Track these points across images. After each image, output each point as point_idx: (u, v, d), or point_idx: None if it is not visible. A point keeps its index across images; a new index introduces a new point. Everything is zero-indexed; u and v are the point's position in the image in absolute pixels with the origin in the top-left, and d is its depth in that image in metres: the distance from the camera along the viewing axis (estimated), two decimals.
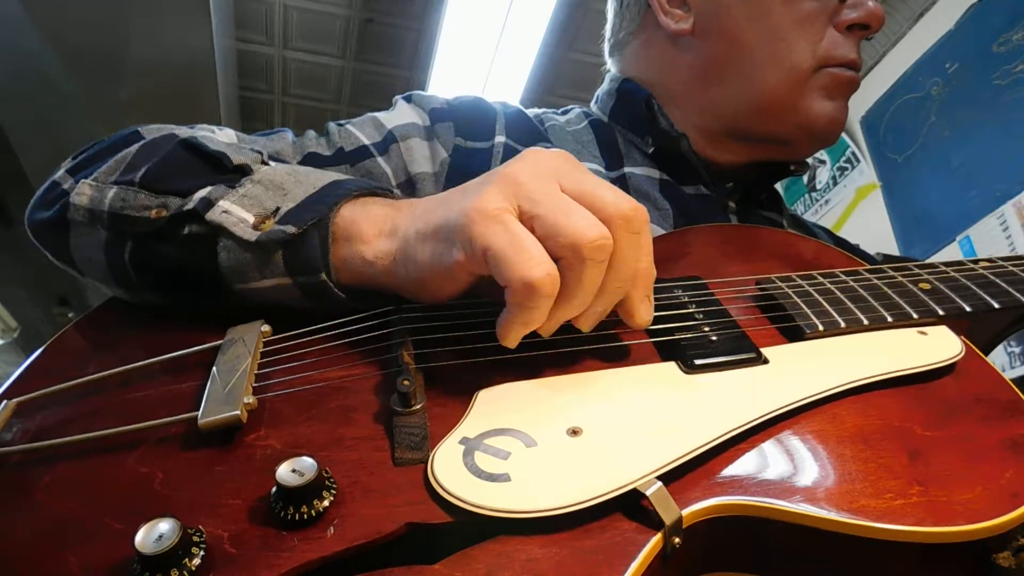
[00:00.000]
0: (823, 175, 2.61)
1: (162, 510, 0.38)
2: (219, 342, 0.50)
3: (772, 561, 0.41)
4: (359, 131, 0.72)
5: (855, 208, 2.46)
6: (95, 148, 0.60)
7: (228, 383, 0.45)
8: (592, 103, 0.90)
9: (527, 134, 0.76)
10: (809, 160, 0.83)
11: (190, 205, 0.51)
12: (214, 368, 0.47)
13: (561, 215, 0.40)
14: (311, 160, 0.69)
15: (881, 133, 2.36)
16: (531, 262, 0.39)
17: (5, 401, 0.48)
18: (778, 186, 0.93)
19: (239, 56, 3.36)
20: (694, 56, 0.79)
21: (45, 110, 2.71)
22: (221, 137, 0.63)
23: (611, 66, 0.92)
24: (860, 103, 2.42)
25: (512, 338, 0.43)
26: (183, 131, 0.60)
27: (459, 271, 0.44)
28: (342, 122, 0.75)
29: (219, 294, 0.53)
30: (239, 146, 0.60)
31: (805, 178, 2.69)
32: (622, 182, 0.76)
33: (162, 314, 0.57)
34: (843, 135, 2.46)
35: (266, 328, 0.51)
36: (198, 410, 0.43)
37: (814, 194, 2.67)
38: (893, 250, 2.22)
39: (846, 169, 2.50)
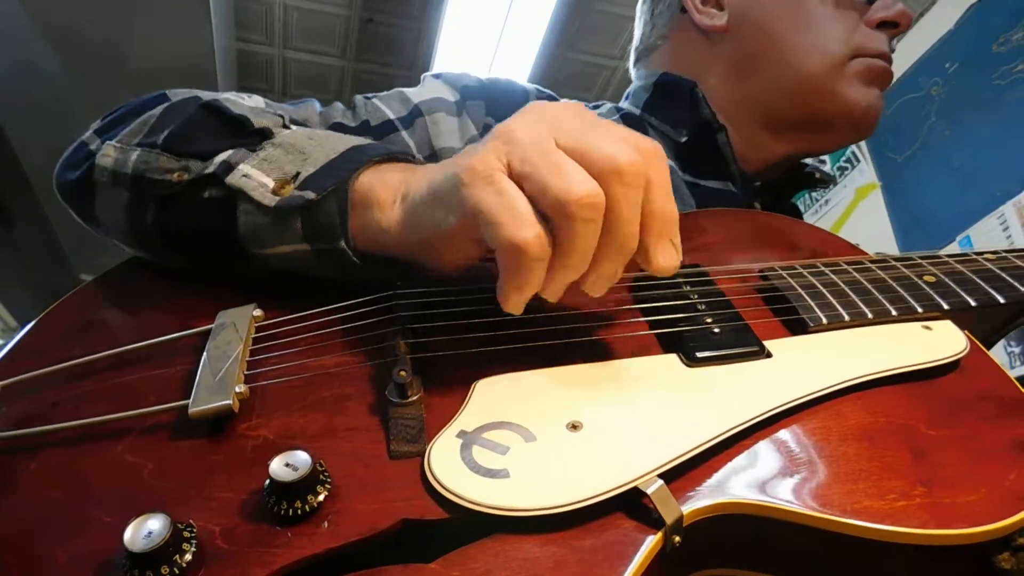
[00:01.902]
0: None
1: (152, 502, 0.38)
2: (209, 326, 0.49)
3: (772, 559, 0.40)
4: (385, 105, 0.72)
5: (855, 208, 2.45)
6: (123, 110, 0.60)
7: (219, 370, 0.44)
8: (622, 101, 0.89)
9: None
10: (830, 173, 0.83)
11: (211, 168, 0.51)
12: (204, 354, 0.46)
13: (550, 172, 0.38)
14: (336, 130, 0.68)
15: (881, 133, 2.35)
16: (517, 222, 0.38)
17: None
18: None
19: (239, 56, 3.36)
20: (730, 50, 0.80)
21: (45, 110, 2.71)
22: (247, 102, 0.63)
23: (637, 74, 0.92)
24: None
25: (512, 303, 0.41)
26: (207, 95, 0.60)
27: (459, 235, 0.43)
28: (369, 95, 0.74)
29: (238, 259, 0.53)
30: (263, 110, 0.59)
31: None
32: None
33: (151, 293, 0.57)
34: None
35: (258, 312, 0.50)
36: (188, 398, 0.43)
37: (814, 194, 2.67)
38: (893, 250, 2.21)
39: (846, 169, 2.49)
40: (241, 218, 0.50)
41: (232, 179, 0.50)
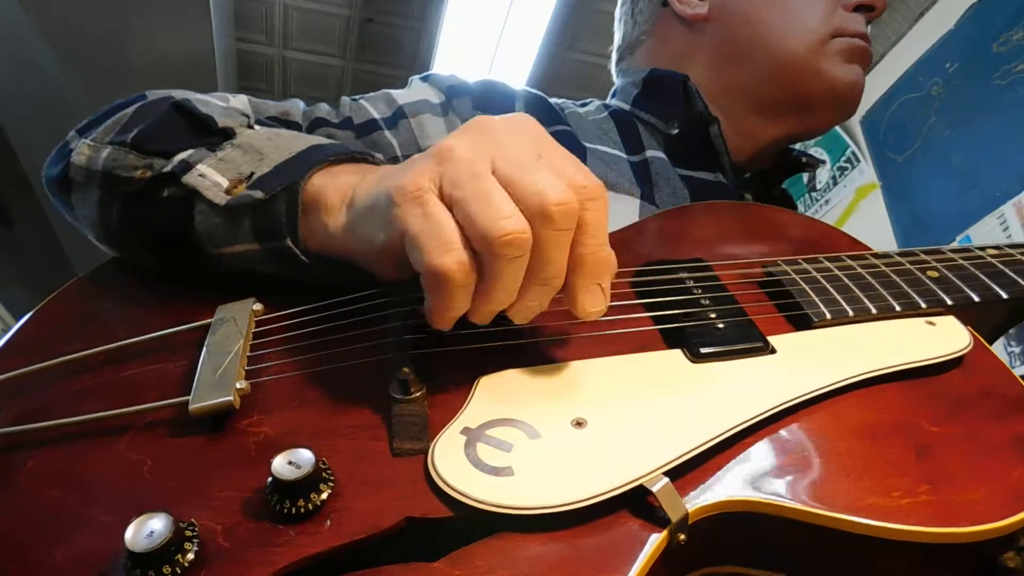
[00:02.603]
0: (823, 175, 2.60)
1: (152, 500, 0.37)
2: (208, 320, 0.49)
3: (774, 556, 0.40)
4: (371, 105, 0.72)
5: (855, 208, 2.45)
6: (104, 110, 0.60)
7: (219, 366, 0.44)
8: (608, 98, 0.90)
9: (547, 117, 0.76)
10: (818, 157, 0.84)
11: (168, 167, 0.51)
12: (204, 349, 0.46)
13: (479, 202, 0.37)
14: (319, 124, 0.69)
15: (881, 133, 2.35)
16: (440, 248, 0.37)
17: None
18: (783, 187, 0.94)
19: (239, 56, 3.36)
20: (713, 38, 0.82)
21: (45, 110, 2.71)
22: (223, 103, 0.63)
23: (619, 73, 0.93)
24: (860, 103, 2.41)
25: (437, 323, 0.41)
26: (182, 94, 0.60)
27: (389, 253, 0.42)
28: (356, 97, 0.74)
29: (199, 258, 0.53)
30: (231, 110, 0.59)
31: (805, 178, 2.68)
32: (644, 166, 0.75)
33: (147, 286, 0.56)
34: (843, 135, 2.47)
35: (258, 307, 0.50)
36: (188, 394, 0.42)
37: (814, 194, 2.67)
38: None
39: (846, 169, 2.49)
40: (197, 218, 0.50)
41: (188, 178, 0.50)
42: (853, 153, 2.45)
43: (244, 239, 0.49)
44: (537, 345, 0.46)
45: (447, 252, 0.37)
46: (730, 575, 0.41)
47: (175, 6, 2.62)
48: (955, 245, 0.58)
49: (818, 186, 2.63)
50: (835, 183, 2.54)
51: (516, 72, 3.38)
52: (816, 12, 0.77)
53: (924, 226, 2.11)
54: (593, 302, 0.41)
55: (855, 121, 2.45)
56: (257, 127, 0.57)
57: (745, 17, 0.79)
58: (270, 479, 0.36)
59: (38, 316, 0.54)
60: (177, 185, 0.51)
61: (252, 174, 0.49)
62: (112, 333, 0.49)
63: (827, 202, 2.58)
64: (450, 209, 0.38)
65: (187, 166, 0.51)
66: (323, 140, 0.53)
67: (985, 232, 1.88)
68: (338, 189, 0.47)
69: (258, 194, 0.48)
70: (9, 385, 0.46)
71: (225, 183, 0.50)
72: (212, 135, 0.54)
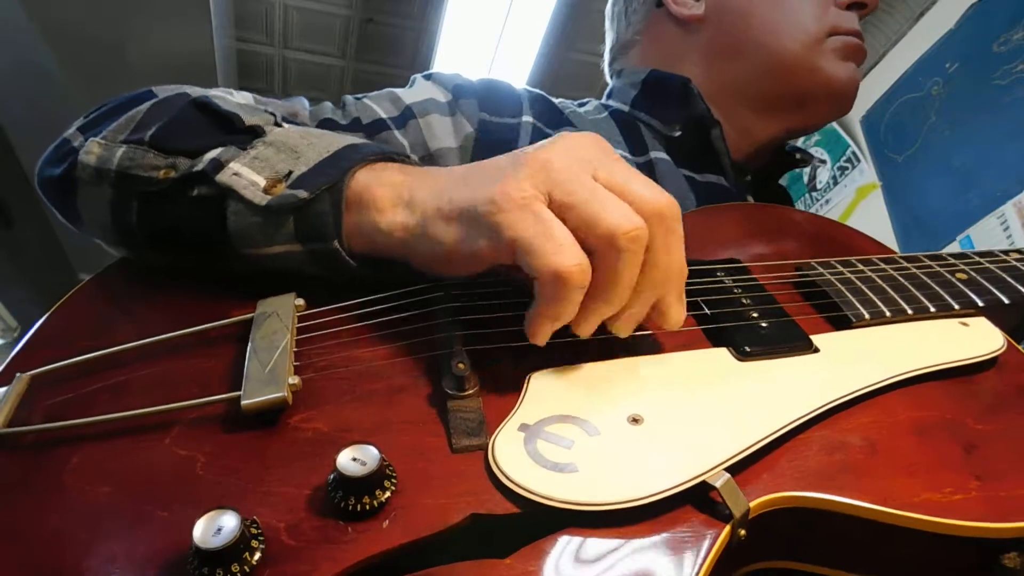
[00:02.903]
0: (823, 175, 2.62)
1: (210, 497, 0.37)
2: (249, 315, 0.48)
3: (824, 551, 0.41)
4: (376, 105, 0.72)
5: (855, 208, 2.46)
6: (107, 106, 0.59)
7: (268, 362, 0.43)
8: (604, 99, 0.90)
9: (552, 117, 0.76)
10: (812, 153, 0.85)
11: (200, 166, 0.49)
12: (250, 344, 0.45)
13: (596, 205, 0.39)
14: (326, 126, 0.68)
15: (881, 133, 2.36)
16: (561, 251, 0.38)
17: (18, 374, 0.45)
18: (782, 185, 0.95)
19: (239, 56, 3.35)
20: (709, 38, 0.82)
21: (45, 110, 2.69)
22: (236, 99, 0.62)
23: (614, 74, 0.93)
24: (860, 103, 2.42)
25: (541, 334, 0.42)
26: (195, 91, 0.59)
27: (484, 257, 0.42)
28: (359, 95, 0.74)
29: (224, 258, 0.52)
30: (253, 107, 0.58)
31: (805, 178, 2.70)
32: (648, 167, 0.76)
33: (168, 283, 0.55)
34: (843, 135, 2.49)
35: (300, 302, 0.49)
36: (232, 389, 0.42)
37: (814, 194, 2.68)
38: (894, 251, 2.22)
39: (846, 169, 2.51)
40: (231, 218, 0.49)
41: (222, 177, 0.49)
42: (853, 153, 2.46)
43: (283, 240, 0.48)
44: (581, 343, 0.46)
45: (567, 254, 0.38)
46: (769, 571, 0.42)
47: (175, 6, 2.61)
48: (967, 251, 0.59)
49: (818, 186, 2.65)
50: (835, 183, 2.55)
51: (516, 72, 3.37)
52: (811, 10, 0.78)
53: (924, 226, 2.12)
54: (681, 312, 0.44)
55: (855, 121, 2.47)
56: (286, 125, 0.55)
57: (742, 16, 0.80)
58: (333, 475, 0.35)
59: (63, 311, 0.52)
60: (209, 184, 0.49)
61: (291, 172, 0.48)
62: (143, 329, 0.48)
63: (827, 202, 2.59)
64: (561, 217, 0.39)
65: (219, 164, 0.49)
66: (356, 139, 0.53)
67: (985, 232, 1.90)
68: (389, 186, 0.47)
69: (302, 193, 0.47)
70: (45, 379, 0.45)
71: (262, 182, 0.48)
72: (238, 133, 0.52)
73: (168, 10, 2.62)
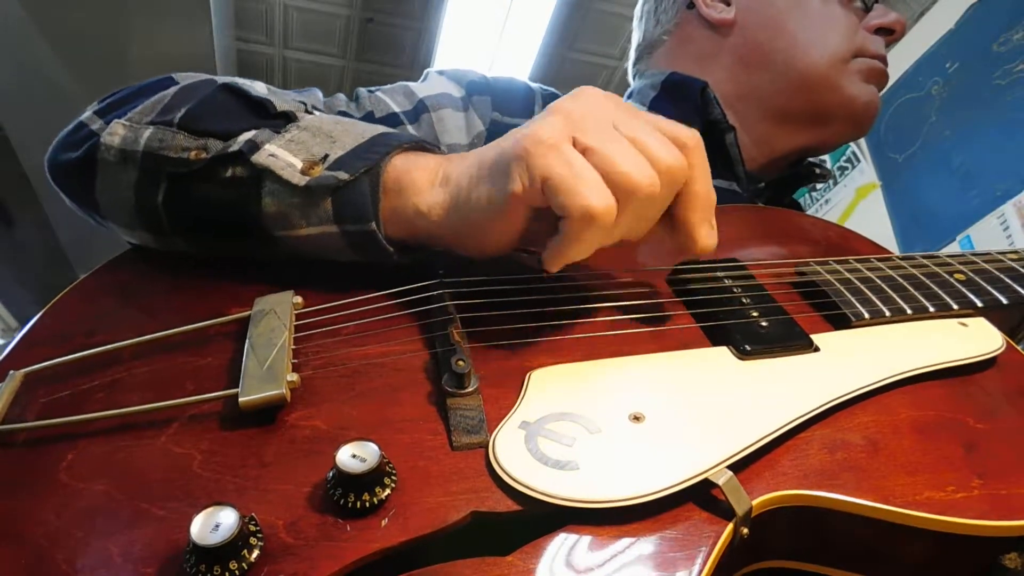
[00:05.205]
0: None
1: (207, 494, 0.36)
2: (247, 313, 0.48)
3: (825, 550, 0.41)
4: (389, 98, 0.72)
5: (855, 208, 2.46)
6: (125, 92, 0.58)
7: (266, 359, 0.43)
8: (624, 99, 0.90)
9: None
10: (829, 169, 0.85)
11: (235, 147, 0.50)
12: (248, 341, 0.44)
13: (617, 152, 0.41)
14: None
15: (881, 133, 2.36)
16: (593, 191, 0.40)
17: (11, 372, 0.44)
18: None
19: (239, 56, 3.36)
20: (736, 44, 0.83)
21: (45, 111, 2.69)
22: (260, 88, 0.62)
23: (637, 74, 0.93)
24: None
25: (559, 264, 0.44)
26: (221, 78, 0.59)
27: (516, 205, 0.43)
28: (373, 88, 0.74)
29: (254, 241, 0.52)
30: (281, 95, 0.59)
31: None
32: None
33: (170, 277, 0.55)
34: None
35: (298, 299, 0.49)
36: (230, 387, 0.41)
37: (814, 194, 2.68)
38: (894, 250, 2.22)
39: (846, 169, 2.51)
40: (266, 198, 0.49)
41: (258, 158, 0.49)
42: (853, 153, 2.46)
43: (321, 221, 0.49)
44: (581, 341, 0.46)
45: (597, 195, 0.40)
46: (770, 570, 0.42)
47: (175, 6, 2.61)
48: (969, 251, 0.59)
49: (818, 186, 2.65)
50: (835, 183, 2.55)
51: (516, 72, 3.38)
52: (839, 29, 0.78)
53: (924, 226, 2.12)
54: (709, 236, 0.45)
55: None
56: (317, 112, 0.56)
57: (771, 26, 0.81)
58: (332, 472, 0.35)
59: (57, 308, 0.52)
60: (244, 165, 0.49)
61: (327, 156, 0.49)
62: (139, 326, 0.48)
63: (827, 202, 2.59)
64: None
65: (254, 146, 0.49)
66: (387, 128, 0.53)
67: (985, 231, 1.90)
68: (425, 169, 0.48)
69: (343, 175, 0.47)
70: (38, 376, 0.45)
71: (299, 164, 0.49)
72: (271, 117, 0.53)
73: (168, 10, 2.62)
